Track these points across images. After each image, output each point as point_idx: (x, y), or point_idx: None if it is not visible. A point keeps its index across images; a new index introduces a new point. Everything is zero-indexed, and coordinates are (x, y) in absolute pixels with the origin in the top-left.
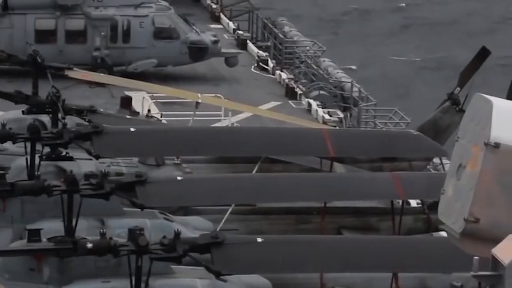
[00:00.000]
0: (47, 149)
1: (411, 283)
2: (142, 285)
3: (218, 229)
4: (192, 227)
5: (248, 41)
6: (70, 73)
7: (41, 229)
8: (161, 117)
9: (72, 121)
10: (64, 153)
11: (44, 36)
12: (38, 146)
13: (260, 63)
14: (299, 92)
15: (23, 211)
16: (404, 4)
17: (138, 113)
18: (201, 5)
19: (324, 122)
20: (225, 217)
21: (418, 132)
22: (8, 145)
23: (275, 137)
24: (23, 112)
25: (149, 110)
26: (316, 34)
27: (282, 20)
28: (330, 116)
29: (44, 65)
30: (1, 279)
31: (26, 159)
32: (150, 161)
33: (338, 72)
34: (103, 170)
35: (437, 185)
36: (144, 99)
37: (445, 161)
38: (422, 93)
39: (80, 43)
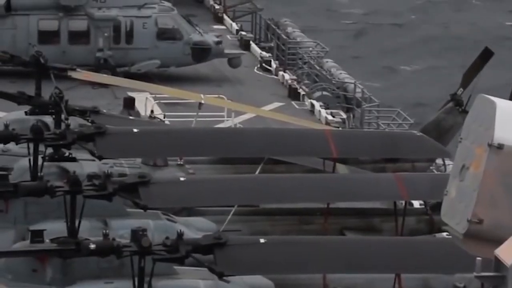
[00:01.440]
0: (50, 150)
1: (414, 284)
2: (145, 286)
3: (221, 230)
4: (195, 228)
5: (251, 42)
6: (73, 74)
7: (44, 230)
8: (164, 118)
9: (75, 122)
10: (67, 154)
11: (47, 37)
12: (41, 147)
13: (263, 64)
14: (302, 93)
15: (26, 212)
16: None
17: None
18: (204, 6)
19: (327, 123)
20: (228, 218)
21: (421, 133)
22: (11, 146)
23: (278, 138)
24: (26, 113)
25: (152, 111)
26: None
27: (285, 21)
28: (333, 117)
29: (47, 66)
30: (4, 280)
31: (29, 160)
32: (153, 162)
33: (341, 73)
34: (106, 171)
35: (440, 186)
36: (147, 100)
37: (448, 162)
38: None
39: (83, 44)
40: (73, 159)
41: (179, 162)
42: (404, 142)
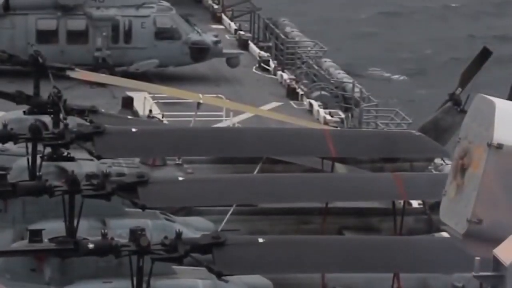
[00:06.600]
0: (48, 150)
1: (413, 284)
2: (144, 285)
3: (219, 230)
4: (194, 227)
5: (249, 42)
6: (72, 74)
7: (43, 229)
8: (162, 117)
9: (73, 122)
10: (65, 154)
11: (46, 36)
12: (40, 147)
13: (262, 64)
14: (301, 92)
15: (24, 212)
16: None
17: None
18: (203, 5)
19: (326, 122)
20: (227, 218)
21: (419, 133)
22: (9, 145)
23: (276, 137)
24: (24, 113)
25: (150, 111)
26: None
27: (284, 21)
28: (332, 116)
29: (46, 66)
30: (2, 280)
31: (28, 159)
32: (151, 161)
33: (339, 73)
34: (105, 171)
35: (439, 186)
36: (145, 100)
37: (446, 161)
38: None
39: (82, 43)
40: (72, 159)
41: (177, 162)
42: (402, 141)
